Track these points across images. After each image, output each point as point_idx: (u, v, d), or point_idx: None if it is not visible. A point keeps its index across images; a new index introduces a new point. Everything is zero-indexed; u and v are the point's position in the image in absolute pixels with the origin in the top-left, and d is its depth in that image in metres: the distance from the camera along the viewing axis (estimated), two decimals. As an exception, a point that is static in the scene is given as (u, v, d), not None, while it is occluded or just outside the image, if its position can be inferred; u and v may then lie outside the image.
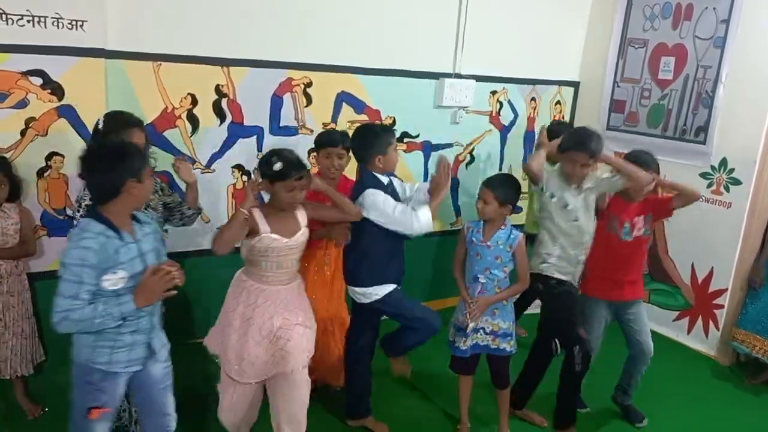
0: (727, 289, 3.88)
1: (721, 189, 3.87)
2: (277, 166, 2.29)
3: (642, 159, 2.89)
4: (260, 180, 2.36)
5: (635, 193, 2.89)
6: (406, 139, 3.96)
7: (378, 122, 3.81)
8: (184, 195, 2.82)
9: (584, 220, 2.84)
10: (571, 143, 2.77)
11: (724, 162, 3.84)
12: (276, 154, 2.36)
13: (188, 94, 3.25)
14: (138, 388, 2.15)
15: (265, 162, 2.35)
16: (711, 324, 3.99)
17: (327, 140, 2.96)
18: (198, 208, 2.83)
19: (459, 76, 4.01)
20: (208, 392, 3.07)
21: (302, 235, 2.46)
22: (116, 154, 1.93)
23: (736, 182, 3.79)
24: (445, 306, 3.67)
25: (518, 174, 3.49)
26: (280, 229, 2.38)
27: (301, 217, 2.48)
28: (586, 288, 3.07)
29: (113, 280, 1.87)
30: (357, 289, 2.76)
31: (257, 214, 2.36)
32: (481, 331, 2.80)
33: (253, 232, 2.34)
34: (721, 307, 3.92)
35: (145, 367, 2.09)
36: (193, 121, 3.30)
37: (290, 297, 2.46)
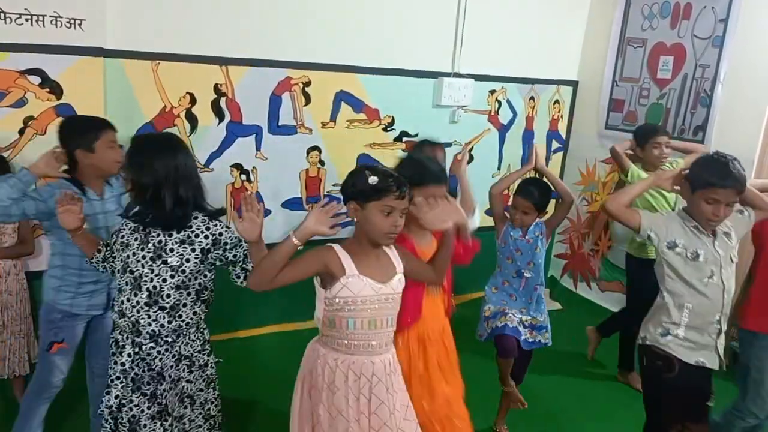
0: (725, 288, 3.88)
1: (720, 188, 3.87)
2: (373, 179, 1.79)
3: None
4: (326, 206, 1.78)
5: None
6: (404, 139, 3.96)
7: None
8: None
9: (726, 273, 2.22)
10: (713, 177, 2.17)
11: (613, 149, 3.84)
12: (367, 167, 1.88)
13: (187, 93, 3.25)
14: (93, 331, 2.44)
15: (354, 179, 1.85)
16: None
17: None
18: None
19: (458, 75, 4.01)
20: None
21: (399, 282, 1.91)
22: (67, 128, 2.31)
23: (735, 181, 3.79)
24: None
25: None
26: (370, 270, 1.84)
27: (395, 258, 1.93)
28: (754, 322, 2.50)
29: None
30: None
31: (338, 250, 1.84)
32: (520, 323, 2.77)
33: (332, 276, 1.81)
34: (720, 306, 3.92)
35: (104, 313, 2.40)
36: (192, 120, 3.30)
37: (388, 372, 1.91)
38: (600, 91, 4.48)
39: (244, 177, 3.53)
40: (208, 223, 1.97)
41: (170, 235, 1.93)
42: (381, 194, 1.79)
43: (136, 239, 1.95)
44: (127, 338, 1.97)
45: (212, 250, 1.98)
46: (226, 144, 3.42)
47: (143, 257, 1.93)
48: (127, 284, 1.95)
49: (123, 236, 1.99)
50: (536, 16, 4.26)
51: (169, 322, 1.97)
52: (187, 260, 1.95)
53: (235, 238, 2.00)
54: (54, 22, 2.79)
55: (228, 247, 2.00)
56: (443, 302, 2.29)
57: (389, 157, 3.71)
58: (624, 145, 3.60)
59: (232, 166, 3.49)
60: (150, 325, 1.95)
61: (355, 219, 1.85)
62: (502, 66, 4.23)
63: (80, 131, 2.32)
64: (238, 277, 2.07)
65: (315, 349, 1.94)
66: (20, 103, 2.84)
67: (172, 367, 2.02)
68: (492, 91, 4.28)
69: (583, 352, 3.76)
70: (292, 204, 3.74)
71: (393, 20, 3.73)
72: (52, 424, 2.58)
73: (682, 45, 4.00)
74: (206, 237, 1.96)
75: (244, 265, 2.04)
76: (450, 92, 3.99)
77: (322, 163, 3.73)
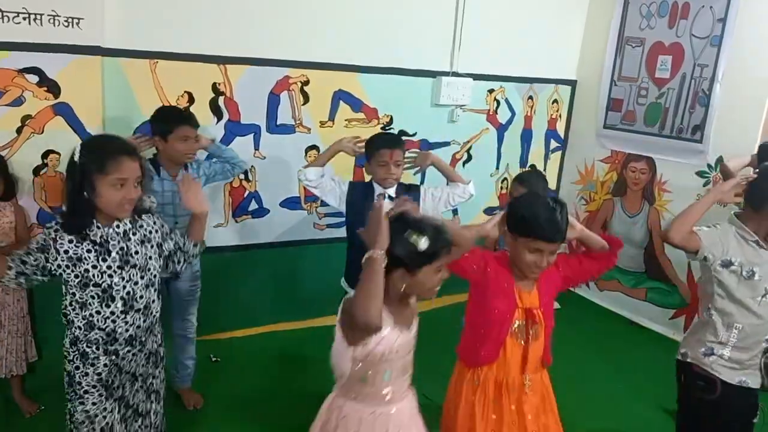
0: (723, 288, 3.89)
1: (718, 187, 3.87)
2: (423, 244, 1.61)
3: None
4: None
5: None
6: (403, 138, 3.95)
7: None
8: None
9: None
10: None
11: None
12: (411, 223, 1.65)
13: (185, 92, 3.24)
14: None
15: (396, 243, 1.62)
16: (707, 322, 4.00)
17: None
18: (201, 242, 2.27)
19: (456, 74, 4.01)
20: (208, 392, 3.07)
21: (416, 321, 1.84)
22: (154, 115, 2.70)
23: (733, 181, 3.79)
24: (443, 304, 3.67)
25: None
26: (401, 318, 1.74)
27: (413, 301, 1.84)
28: None
29: None
30: None
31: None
32: None
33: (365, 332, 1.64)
34: (718, 305, 3.92)
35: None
36: (190, 119, 3.29)
37: (413, 414, 1.86)
38: (598, 90, 4.48)
39: (242, 176, 3.53)
40: (153, 218, 2.02)
41: (129, 239, 1.91)
42: (434, 257, 1.64)
43: (90, 251, 1.84)
44: (99, 349, 1.92)
45: (162, 243, 2.03)
46: (224, 143, 3.39)
47: (109, 267, 1.86)
48: (93, 297, 1.87)
49: (65, 250, 1.82)
50: (535, 16, 4.26)
51: (144, 322, 1.98)
52: (150, 257, 1.96)
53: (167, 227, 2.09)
54: (52, 21, 2.78)
55: (170, 235, 2.07)
56: (534, 353, 2.06)
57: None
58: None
59: (230, 165, 3.48)
60: (128, 330, 1.94)
61: (401, 287, 1.68)
62: (500, 65, 4.23)
63: (161, 121, 2.71)
64: (179, 263, 2.11)
65: (339, 408, 1.79)
66: (18, 101, 2.83)
67: (143, 365, 2.04)
68: (490, 91, 4.28)
69: (580, 351, 3.76)
70: (290, 203, 3.74)
71: (391, 19, 3.72)
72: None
73: (681, 44, 4.00)
74: (157, 231, 2.01)
75: (183, 249, 2.11)
76: (448, 91, 3.99)
77: (320, 162, 3.73)
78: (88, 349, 1.93)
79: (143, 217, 1.97)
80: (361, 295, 1.55)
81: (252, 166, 3.54)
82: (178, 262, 2.11)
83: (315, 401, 2.62)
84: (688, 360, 2.22)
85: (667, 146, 4.08)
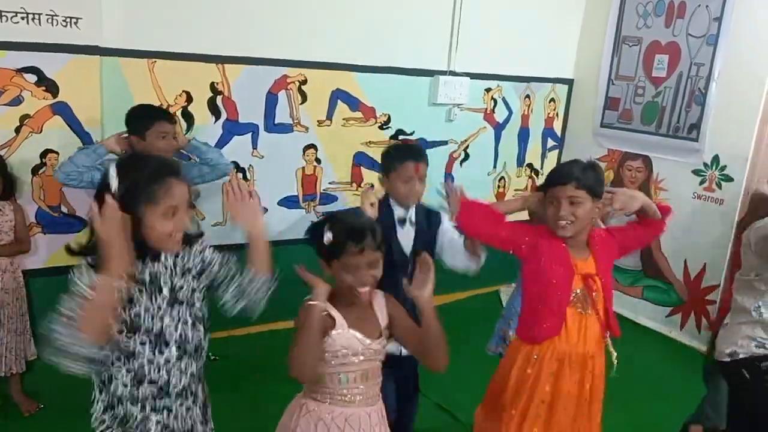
0: (719, 285, 3.91)
1: (714, 186, 3.89)
2: (327, 237, 1.67)
3: None
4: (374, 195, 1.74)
5: None
6: (401, 137, 3.97)
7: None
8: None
9: None
10: None
11: (716, 159, 3.87)
12: (330, 217, 1.72)
13: (183, 91, 3.25)
14: None
15: (315, 233, 1.73)
16: (704, 320, 4.02)
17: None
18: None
19: (453, 73, 4.02)
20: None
21: (384, 342, 1.76)
22: (128, 114, 2.55)
23: (728, 179, 3.82)
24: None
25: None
26: (356, 324, 1.70)
27: (380, 312, 1.76)
28: None
29: None
30: None
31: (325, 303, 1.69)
32: None
33: (324, 328, 1.67)
34: (714, 302, 3.94)
35: None
36: (188, 118, 3.30)
37: (375, 423, 1.77)
38: (595, 89, 4.50)
39: (240, 175, 3.53)
40: (185, 246, 1.65)
41: (174, 274, 1.59)
42: (339, 253, 1.66)
43: (141, 291, 1.53)
44: (147, 407, 1.59)
45: (204, 270, 1.66)
46: (222, 142, 3.42)
47: (159, 308, 1.56)
48: (144, 344, 1.54)
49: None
50: (532, 15, 4.27)
51: (197, 368, 1.66)
52: (193, 290, 1.63)
53: (218, 252, 1.72)
54: (50, 21, 2.78)
55: (216, 261, 1.69)
56: (597, 322, 2.01)
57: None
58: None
59: (228, 165, 3.49)
60: (181, 381, 1.61)
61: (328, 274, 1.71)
62: (497, 64, 4.24)
63: (138, 118, 2.64)
64: (230, 302, 1.69)
65: (301, 405, 1.75)
66: (16, 101, 2.83)
67: (201, 422, 1.71)
68: (488, 90, 4.29)
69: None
70: (288, 202, 3.74)
71: (389, 19, 3.73)
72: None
73: (677, 43, 4.01)
74: (192, 258, 1.65)
75: (237, 281, 1.70)
76: (446, 90, 3.99)
77: (318, 161, 3.74)
78: (134, 409, 1.57)
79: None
80: (295, 348, 1.59)
81: (250, 165, 3.55)
82: (232, 298, 1.68)
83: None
84: (741, 356, 2.21)
85: (664, 145, 4.10)
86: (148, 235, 1.48)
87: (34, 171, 2.96)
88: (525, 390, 2.03)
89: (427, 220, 2.44)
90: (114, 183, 1.43)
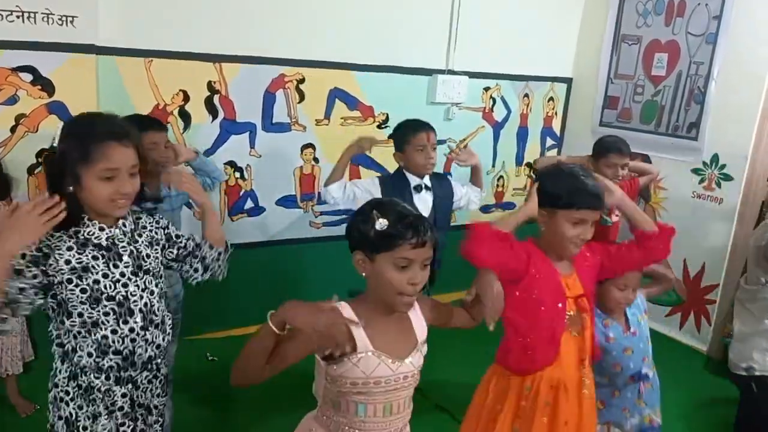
0: (718, 285, 3.90)
1: (713, 185, 3.89)
2: (381, 223, 1.39)
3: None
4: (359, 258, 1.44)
5: None
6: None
7: None
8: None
9: None
10: None
11: (715, 158, 3.86)
12: (377, 205, 1.45)
13: (180, 90, 3.23)
14: None
15: (358, 221, 1.44)
16: (703, 319, 4.01)
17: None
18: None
19: (452, 72, 4.01)
20: (205, 392, 3.07)
21: (421, 354, 1.54)
22: None
23: (728, 178, 3.81)
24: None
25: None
26: (387, 343, 1.45)
27: (418, 320, 1.55)
28: None
29: None
30: None
31: (347, 315, 1.42)
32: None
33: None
34: (713, 302, 3.94)
35: None
36: (185, 117, 3.28)
37: None
38: (595, 88, 4.49)
39: (237, 174, 3.52)
40: (155, 217, 1.71)
41: (137, 241, 1.59)
42: (393, 243, 1.38)
43: (96, 258, 1.51)
44: (111, 378, 1.57)
45: (166, 245, 1.70)
46: (219, 141, 3.41)
47: (122, 275, 1.54)
48: (108, 314, 1.52)
49: (66, 260, 1.47)
50: (531, 13, 4.25)
51: (163, 340, 1.65)
52: (161, 262, 1.65)
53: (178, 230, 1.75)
54: (46, 19, 2.76)
55: (175, 237, 1.72)
56: (588, 343, 1.93)
57: (384, 154, 3.70)
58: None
59: (225, 164, 3.47)
60: (147, 351, 1.60)
61: (363, 274, 1.45)
62: (496, 63, 4.22)
63: None
64: (197, 272, 1.76)
65: (309, 429, 1.56)
66: (11, 100, 2.82)
67: (159, 395, 1.69)
68: (486, 89, 4.27)
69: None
70: (286, 201, 3.73)
71: (387, 17, 3.72)
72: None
73: (677, 42, 4.00)
74: (157, 232, 1.67)
75: (200, 254, 1.75)
76: (444, 89, 3.98)
77: (316, 160, 3.73)
78: (96, 380, 1.55)
79: (142, 216, 1.65)
80: (242, 354, 1.40)
81: (248, 165, 3.53)
82: (195, 270, 1.75)
83: (313, 400, 2.62)
84: (757, 373, 2.22)
85: (663, 144, 4.08)
86: (88, 198, 1.47)
87: (30, 171, 2.94)
88: (523, 417, 1.89)
89: (440, 184, 2.74)
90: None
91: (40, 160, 2.94)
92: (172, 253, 1.71)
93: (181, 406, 2.94)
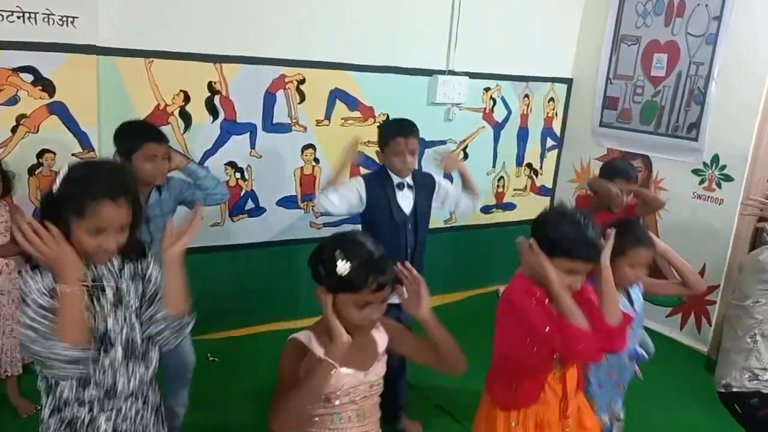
0: (719, 285, 3.90)
1: (713, 185, 3.89)
2: (343, 268, 1.46)
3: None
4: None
5: None
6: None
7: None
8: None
9: None
10: None
11: (716, 158, 3.86)
12: (340, 244, 1.51)
13: (180, 90, 3.24)
14: None
15: (320, 258, 1.52)
16: (704, 320, 4.01)
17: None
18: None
19: (452, 73, 4.01)
20: (205, 392, 3.07)
21: (383, 364, 1.66)
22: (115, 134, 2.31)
23: (728, 178, 3.81)
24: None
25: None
26: (351, 357, 1.54)
27: (378, 334, 1.66)
28: None
29: None
30: None
31: (307, 342, 1.56)
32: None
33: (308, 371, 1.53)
34: (714, 303, 3.94)
35: None
36: (186, 118, 3.29)
37: None
38: (594, 88, 4.49)
39: (238, 175, 3.52)
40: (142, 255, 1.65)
41: (119, 276, 1.57)
42: (354, 288, 1.46)
43: (82, 290, 1.48)
44: (94, 409, 1.55)
45: (148, 286, 1.63)
46: (220, 142, 3.41)
47: (102, 308, 1.53)
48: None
49: (51, 289, 1.43)
50: (531, 14, 4.26)
51: (146, 373, 1.63)
52: (142, 296, 1.61)
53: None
54: (46, 20, 2.77)
55: (157, 285, 1.64)
56: (574, 376, 1.95)
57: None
58: None
59: (226, 164, 3.47)
60: (129, 385, 1.59)
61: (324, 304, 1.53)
62: (496, 64, 4.23)
63: (124, 138, 2.39)
64: (161, 335, 1.62)
65: None
66: (12, 101, 2.82)
67: (154, 425, 1.68)
68: (487, 89, 4.27)
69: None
70: (286, 202, 3.73)
71: (387, 18, 3.72)
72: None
73: (676, 42, 4.01)
74: (140, 267, 1.63)
75: (161, 314, 1.61)
76: (444, 90, 3.98)
77: (316, 161, 3.73)
78: (81, 411, 1.54)
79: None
80: (291, 404, 1.49)
81: (248, 165, 3.54)
82: (159, 333, 1.61)
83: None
84: (734, 390, 2.24)
85: (663, 144, 4.08)
86: (74, 244, 1.45)
87: (31, 171, 2.95)
88: None
89: (423, 182, 2.76)
90: (57, 184, 1.46)
91: (41, 160, 2.95)
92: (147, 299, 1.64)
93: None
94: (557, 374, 1.91)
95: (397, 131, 2.64)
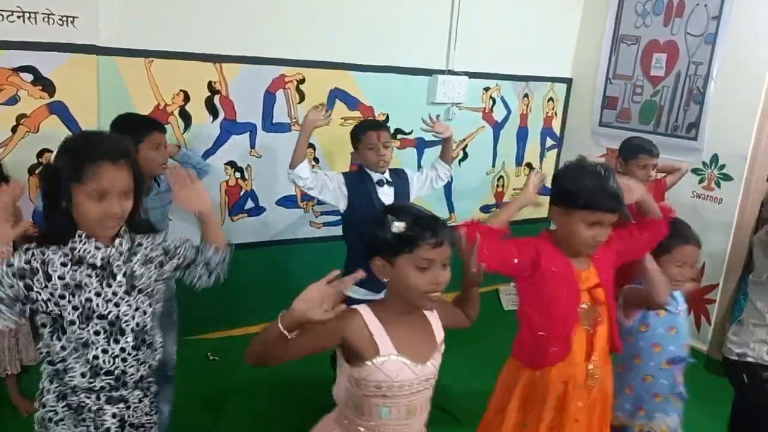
0: (718, 285, 3.91)
1: (713, 185, 3.89)
2: (398, 226, 1.41)
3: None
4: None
5: None
6: (399, 136, 3.96)
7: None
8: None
9: None
10: None
11: (715, 158, 3.86)
12: (392, 209, 1.50)
13: (180, 90, 3.24)
14: None
15: (375, 227, 1.46)
16: (703, 319, 4.02)
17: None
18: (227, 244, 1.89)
19: (452, 72, 4.01)
20: (205, 392, 3.07)
21: (440, 355, 1.57)
22: (115, 126, 2.33)
23: (727, 178, 3.82)
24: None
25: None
26: (409, 345, 1.47)
27: (436, 323, 1.58)
28: None
29: None
30: None
31: (367, 318, 1.45)
32: None
33: (359, 353, 1.43)
34: (713, 302, 3.94)
35: None
36: (186, 117, 3.29)
37: None
38: (594, 88, 4.49)
39: (238, 175, 3.53)
40: (150, 236, 1.66)
41: (131, 261, 1.56)
42: (412, 244, 1.40)
43: (90, 276, 1.49)
44: (102, 398, 1.55)
45: (165, 261, 1.66)
46: (220, 142, 3.41)
47: (114, 293, 1.52)
48: (98, 333, 1.51)
49: (60, 275, 1.45)
50: (530, 14, 4.26)
51: (154, 359, 1.63)
52: (156, 281, 1.62)
53: (176, 239, 1.72)
54: (46, 19, 2.77)
55: (174, 249, 1.69)
56: (601, 337, 1.91)
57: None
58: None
59: (226, 164, 3.48)
60: (138, 371, 1.58)
61: (385, 279, 1.46)
62: (496, 63, 4.23)
63: (128, 130, 2.38)
64: (201, 278, 1.75)
65: (331, 431, 1.56)
66: (12, 100, 2.82)
67: (147, 414, 1.66)
68: (486, 89, 4.28)
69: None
70: (286, 202, 3.74)
71: (387, 17, 3.72)
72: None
73: (675, 42, 4.01)
74: (153, 249, 1.63)
75: (203, 260, 1.73)
76: (444, 89, 3.99)
77: (316, 160, 3.73)
78: (87, 400, 1.53)
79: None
80: (253, 340, 1.42)
81: (248, 165, 3.54)
82: (200, 277, 1.73)
83: (313, 400, 2.63)
84: (749, 359, 2.23)
85: (662, 144, 4.05)
86: (78, 217, 1.45)
87: (31, 171, 2.95)
88: (532, 410, 1.90)
89: (398, 177, 2.86)
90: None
91: (41, 160, 2.95)
92: (173, 264, 1.69)
93: (181, 406, 2.95)
94: (586, 325, 1.86)
95: (368, 126, 2.81)
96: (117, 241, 1.53)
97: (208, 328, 3.50)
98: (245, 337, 3.68)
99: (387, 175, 2.80)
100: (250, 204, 3.63)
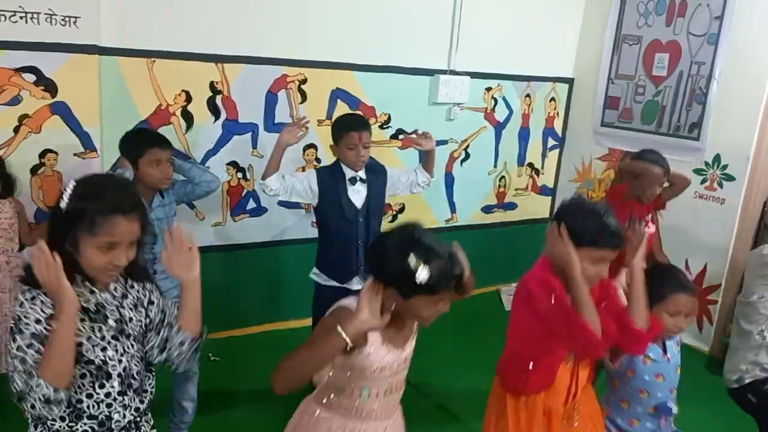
0: (720, 285, 3.90)
1: (715, 185, 3.89)
2: (423, 276, 1.43)
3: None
4: (376, 288, 1.49)
5: None
6: (401, 136, 3.96)
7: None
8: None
9: None
10: None
11: (717, 158, 3.86)
12: (415, 245, 1.47)
13: (182, 90, 3.24)
14: None
15: (396, 262, 1.46)
16: (705, 319, 4.01)
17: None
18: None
19: (454, 72, 4.01)
20: (205, 392, 3.07)
21: (414, 339, 1.71)
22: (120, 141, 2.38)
23: (730, 178, 3.81)
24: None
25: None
26: (393, 336, 1.60)
27: None
28: None
29: None
30: None
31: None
32: None
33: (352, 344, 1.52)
34: (715, 302, 3.94)
35: None
36: (188, 118, 3.29)
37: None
38: (596, 88, 4.49)
39: (240, 175, 3.53)
40: (146, 284, 1.60)
41: (122, 305, 1.52)
42: (435, 291, 1.46)
43: (83, 320, 1.44)
44: None
45: (150, 313, 1.58)
46: (222, 142, 3.42)
47: (102, 338, 1.47)
48: (84, 376, 1.45)
49: (50, 314, 1.39)
50: (532, 14, 4.26)
51: (142, 404, 1.57)
52: (145, 326, 1.56)
53: (163, 298, 1.64)
54: (48, 20, 2.77)
55: (158, 305, 1.60)
56: (586, 369, 1.95)
57: (385, 154, 3.71)
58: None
59: (228, 164, 3.48)
60: (125, 416, 1.53)
61: (391, 305, 1.53)
62: (498, 63, 4.23)
63: (128, 145, 2.50)
64: (152, 353, 1.58)
65: (312, 412, 1.66)
66: (15, 101, 2.82)
67: None
68: (488, 89, 4.28)
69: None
70: (288, 202, 3.73)
71: (389, 18, 3.72)
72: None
73: (678, 42, 4.01)
74: (143, 294, 1.58)
75: (165, 332, 1.60)
76: (446, 90, 3.99)
77: (318, 160, 3.73)
78: None
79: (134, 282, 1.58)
80: (298, 361, 1.45)
81: (250, 165, 3.54)
82: (151, 348, 1.58)
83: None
84: (747, 381, 2.27)
85: (665, 144, 4.07)
86: (82, 263, 1.42)
87: (33, 171, 2.95)
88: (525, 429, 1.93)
89: (375, 175, 2.84)
90: (64, 200, 1.42)
91: (43, 160, 2.95)
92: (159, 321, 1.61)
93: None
94: (569, 364, 1.89)
95: (350, 126, 2.74)
96: (112, 286, 1.51)
97: (209, 328, 3.49)
98: (246, 337, 3.70)
99: (362, 173, 2.80)
100: (252, 204, 3.63)
